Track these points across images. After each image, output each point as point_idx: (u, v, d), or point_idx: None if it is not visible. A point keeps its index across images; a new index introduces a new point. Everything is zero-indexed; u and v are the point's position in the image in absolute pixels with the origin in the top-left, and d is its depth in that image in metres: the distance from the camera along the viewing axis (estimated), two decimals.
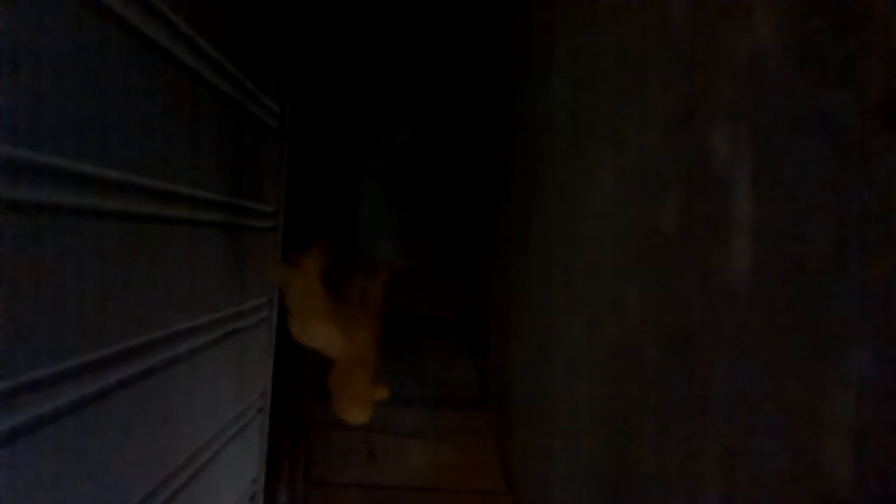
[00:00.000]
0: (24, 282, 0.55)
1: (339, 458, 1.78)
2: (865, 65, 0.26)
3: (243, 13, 1.23)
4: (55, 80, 0.59)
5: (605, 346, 0.59)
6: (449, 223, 1.93)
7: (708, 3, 0.40)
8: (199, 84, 0.99)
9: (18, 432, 0.56)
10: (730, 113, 0.37)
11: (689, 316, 0.41)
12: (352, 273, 1.54)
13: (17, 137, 0.54)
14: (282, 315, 1.48)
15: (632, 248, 0.52)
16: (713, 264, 0.38)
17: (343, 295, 1.45)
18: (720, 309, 0.37)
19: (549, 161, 0.90)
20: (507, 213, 1.31)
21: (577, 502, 0.66)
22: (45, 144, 0.58)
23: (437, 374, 1.86)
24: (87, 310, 0.67)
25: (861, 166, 0.26)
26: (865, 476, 0.25)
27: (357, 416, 1.44)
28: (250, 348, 1.42)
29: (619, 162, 0.57)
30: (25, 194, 0.56)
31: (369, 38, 1.93)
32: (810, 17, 0.29)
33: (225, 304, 1.19)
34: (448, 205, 1.93)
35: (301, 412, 1.77)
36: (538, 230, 0.96)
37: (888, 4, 0.25)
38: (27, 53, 0.55)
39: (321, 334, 1.33)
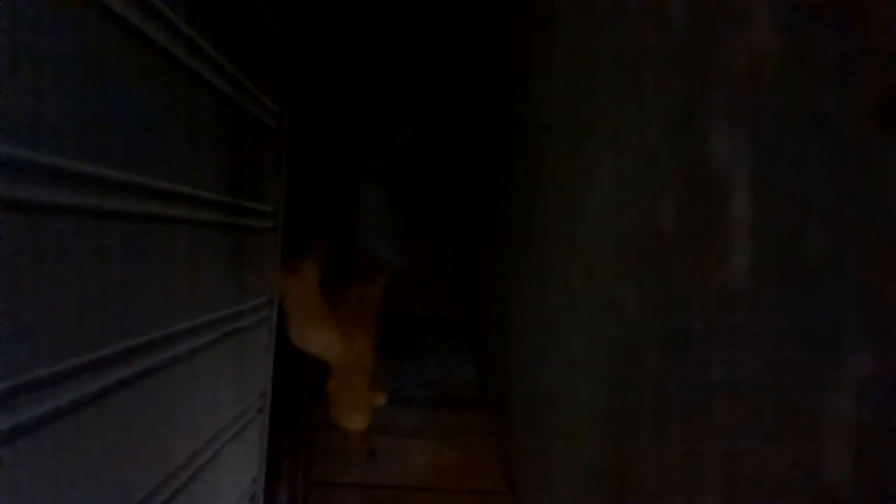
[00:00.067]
0: (24, 282, 0.55)
1: (339, 458, 1.78)
2: (864, 66, 0.26)
3: (243, 14, 1.23)
4: (55, 80, 0.59)
5: (604, 347, 0.59)
6: (449, 223, 1.93)
7: (707, 4, 0.40)
8: (199, 84, 0.99)
9: (18, 432, 0.56)
10: (729, 114, 0.37)
11: (689, 316, 0.41)
12: (350, 278, 1.55)
13: (17, 137, 0.54)
14: (282, 315, 1.48)
15: (632, 249, 0.52)
16: (713, 264, 0.38)
17: (341, 300, 1.46)
18: (720, 309, 0.37)
19: (549, 161, 0.90)
20: (506, 214, 1.31)
21: (577, 502, 0.66)
22: (45, 144, 0.58)
23: (437, 374, 1.86)
24: (87, 310, 0.66)
25: (860, 167, 0.26)
26: (865, 476, 0.25)
27: (355, 421, 1.44)
28: (250, 348, 1.42)
29: (619, 162, 0.57)
30: (25, 194, 0.56)
31: (369, 38, 1.93)
32: (810, 18, 0.29)
33: (225, 304, 1.19)
34: (448, 205, 1.93)
35: (301, 412, 1.77)
36: (538, 230, 0.96)
37: (887, 6, 0.25)
38: (27, 53, 0.55)
39: (319, 340, 1.33)
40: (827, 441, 0.27)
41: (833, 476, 0.27)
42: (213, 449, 1.15)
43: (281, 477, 1.72)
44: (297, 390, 1.76)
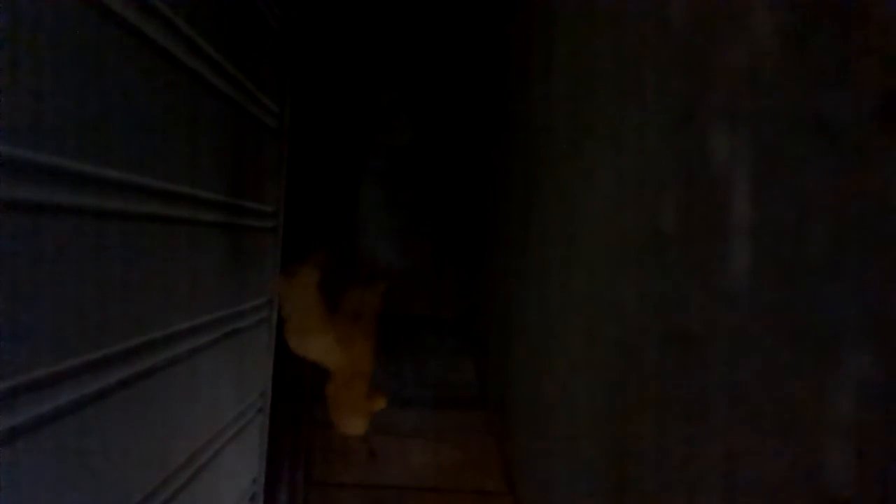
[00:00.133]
0: (24, 282, 0.55)
1: (339, 458, 1.78)
2: (864, 66, 0.26)
3: (243, 13, 1.23)
4: (55, 80, 0.59)
5: (604, 347, 0.59)
6: (449, 223, 1.93)
7: (707, 3, 0.40)
8: (199, 84, 0.99)
9: (18, 432, 0.56)
10: (729, 113, 0.37)
11: (689, 316, 0.41)
12: (349, 281, 1.55)
13: (17, 137, 0.54)
14: (281, 318, 1.48)
15: (632, 249, 0.52)
16: (713, 264, 0.38)
17: (340, 305, 1.46)
18: (720, 309, 0.37)
19: (549, 161, 0.90)
20: (506, 214, 1.31)
21: (577, 502, 0.66)
22: (45, 144, 0.58)
23: (437, 374, 1.86)
24: (87, 310, 0.67)
25: (860, 166, 0.26)
26: (866, 477, 0.25)
27: (354, 426, 1.44)
28: (250, 348, 1.42)
29: (619, 162, 0.57)
30: (25, 194, 0.56)
31: (369, 38, 1.93)
32: (810, 18, 0.29)
33: (225, 304, 1.19)
34: (448, 205, 1.93)
35: (301, 412, 1.77)
36: (537, 230, 0.96)
37: (888, 4, 0.25)
38: (27, 53, 0.55)
39: (318, 346, 1.33)
40: (827, 441, 0.27)
41: (833, 476, 0.27)
42: (214, 449, 1.15)
43: (281, 477, 1.72)
44: (297, 390, 1.76)
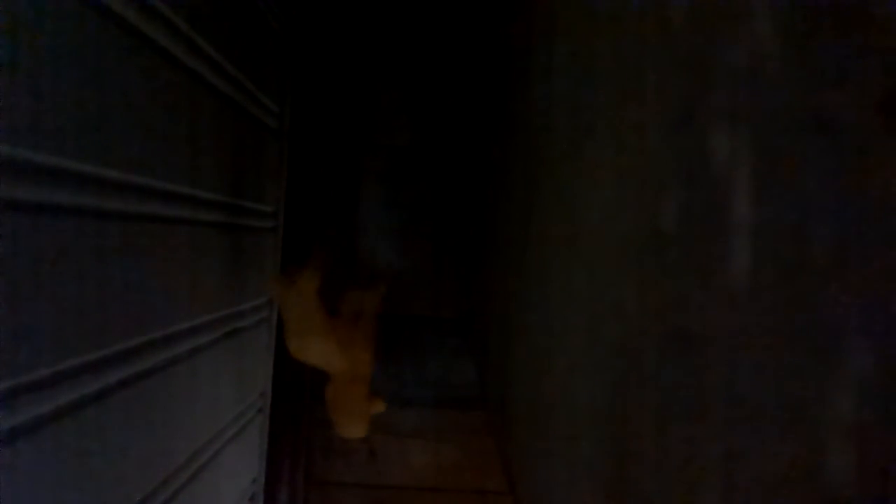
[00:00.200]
0: (24, 282, 0.55)
1: (339, 458, 1.78)
2: (865, 65, 0.26)
3: (243, 14, 1.23)
4: (55, 80, 0.59)
5: (605, 347, 0.59)
6: (449, 224, 1.93)
7: (707, 3, 0.40)
8: (199, 84, 0.99)
9: (18, 432, 0.56)
10: (729, 113, 0.37)
11: (689, 316, 0.41)
12: (349, 285, 1.55)
13: (17, 137, 0.54)
14: (280, 320, 1.48)
15: (632, 249, 0.52)
16: (713, 264, 0.38)
17: (340, 308, 1.46)
18: (720, 309, 0.37)
19: (549, 161, 0.90)
20: (506, 214, 1.31)
21: (578, 502, 0.66)
22: (45, 144, 0.58)
23: (437, 374, 1.86)
24: (87, 310, 0.67)
25: (861, 166, 0.26)
26: (866, 477, 0.25)
27: (354, 430, 1.45)
28: (250, 348, 1.42)
29: (619, 162, 0.57)
30: (25, 194, 0.56)
31: (369, 38, 1.93)
32: (810, 17, 0.29)
33: (225, 304, 1.19)
34: (448, 205, 1.93)
35: (301, 412, 1.77)
36: (538, 230, 0.96)
37: (888, 4, 0.25)
38: (27, 53, 0.55)
39: (318, 350, 1.34)
40: (827, 441, 0.27)
41: (833, 476, 0.27)
42: (214, 449, 1.15)
43: (281, 477, 1.72)
44: (297, 390, 1.76)
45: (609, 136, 0.61)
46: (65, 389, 0.63)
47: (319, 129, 1.88)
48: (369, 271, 1.87)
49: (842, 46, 0.27)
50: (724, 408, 0.36)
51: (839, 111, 0.27)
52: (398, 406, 1.73)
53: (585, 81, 0.71)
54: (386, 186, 1.92)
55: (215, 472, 1.16)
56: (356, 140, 1.93)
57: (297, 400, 1.76)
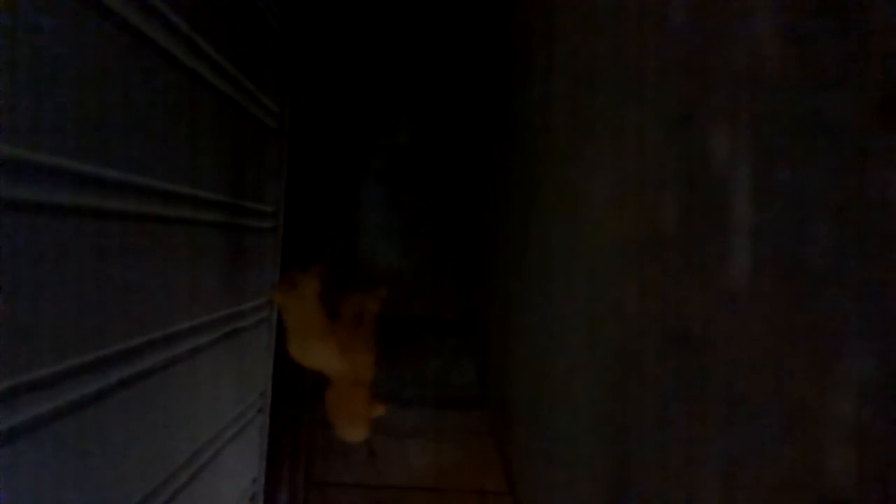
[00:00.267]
0: (24, 282, 0.55)
1: (339, 458, 1.78)
2: (865, 66, 0.26)
3: (243, 14, 1.23)
4: (55, 80, 0.59)
5: (605, 347, 0.59)
6: (449, 224, 1.93)
7: (707, 4, 0.40)
8: (199, 84, 0.99)
9: (19, 432, 0.56)
10: (729, 114, 0.37)
11: (689, 316, 0.41)
12: (349, 288, 1.55)
13: (17, 137, 0.54)
14: (281, 322, 1.48)
15: (632, 249, 0.52)
16: (713, 264, 0.38)
17: (340, 312, 1.46)
18: (720, 309, 0.37)
19: (549, 161, 0.90)
20: (506, 214, 1.31)
21: (578, 502, 0.66)
22: (44, 144, 0.58)
23: (437, 374, 1.86)
24: (87, 310, 0.67)
25: (861, 166, 0.26)
26: (866, 477, 0.25)
27: (355, 434, 1.45)
28: (250, 348, 1.42)
29: (619, 162, 0.57)
30: (25, 194, 0.56)
31: (369, 38, 1.93)
32: (810, 18, 0.29)
33: (225, 304, 1.19)
34: (448, 205, 1.93)
35: (301, 412, 1.77)
36: (537, 230, 0.96)
37: (888, 5, 0.25)
38: (27, 53, 0.55)
39: (319, 354, 1.34)
40: (828, 441, 0.27)
41: (833, 477, 0.27)
42: (214, 449, 1.15)
43: (281, 477, 1.72)
44: (297, 390, 1.76)
45: (609, 136, 0.61)
46: (65, 389, 0.63)
47: (319, 129, 1.88)
48: (369, 272, 1.87)
49: (841, 47, 0.27)
50: (724, 408, 0.36)
51: (839, 111, 0.27)
52: (398, 406, 1.73)
53: (585, 81, 0.71)
54: (386, 186, 1.92)
55: (215, 472, 1.16)
56: (356, 140, 1.93)
57: (297, 400, 1.76)
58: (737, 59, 0.36)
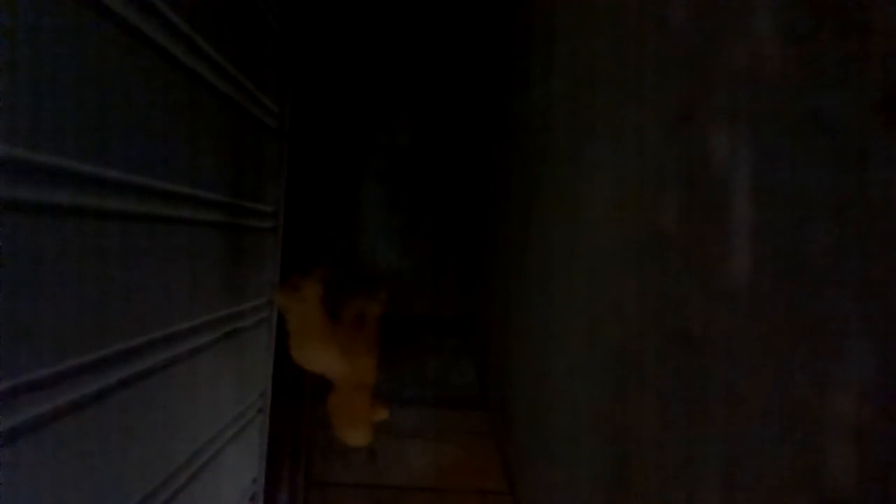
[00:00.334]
0: (24, 282, 0.55)
1: (339, 458, 1.78)
2: (865, 65, 0.26)
3: (243, 14, 1.23)
4: (55, 80, 0.59)
5: (605, 347, 0.59)
6: (449, 223, 1.93)
7: (707, 4, 0.40)
8: (199, 84, 0.99)
9: (19, 432, 0.56)
10: (729, 113, 0.37)
11: (689, 316, 0.41)
12: (351, 291, 1.56)
13: (17, 137, 0.54)
14: (282, 316, 1.48)
15: (632, 249, 0.52)
16: (713, 264, 0.38)
17: (342, 317, 1.47)
18: (720, 309, 0.37)
19: (549, 161, 0.90)
20: (506, 214, 1.31)
21: (578, 502, 0.66)
22: (44, 144, 0.58)
23: (437, 374, 1.86)
24: (87, 310, 0.67)
25: (861, 166, 0.26)
26: (866, 477, 0.25)
27: (357, 438, 1.46)
28: (250, 348, 1.42)
29: (619, 162, 0.57)
30: (25, 194, 0.56)
31: (369, 38, 1.93)
32: (810, 17, 0.29)
33: (225, 304, 1.19)
34: (448, 205, 1.93)
35: (301, 412, 1.77)
36: (538, 230, 0.96)
37: (888, 5, 0.25)
38: (27, 53, 0.55)
39: (321, 358, 1.35)
40: (828, 441, 0.27)
41: (834, 477, 0.27)
42: (214, 449, 1.15)
43: (281, 477, 1.72)
44: (297, 390, 1.76)
45: (609, 136, 0.61)
46: (65, 389, 0.63)
47: (319, 129, 1.88)
48: (369, 272, 1.87)
49: (841, 47, 0.27)
50: (724, 408, 0.36)
51: (839, 111, 0.27)
52: (398, 406, 1.73)
53: (585, 81, 0.71)
54: (386, 186, 1.92)
55: (215, 472, 1.16)
56: (356, 140, 1.93)
57: (297, 400, 1.76)
58: (737, 59, 0.36)
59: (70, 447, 0.64)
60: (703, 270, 0.39)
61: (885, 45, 0.24)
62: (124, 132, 0.74)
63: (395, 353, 1.80)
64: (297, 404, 1.76)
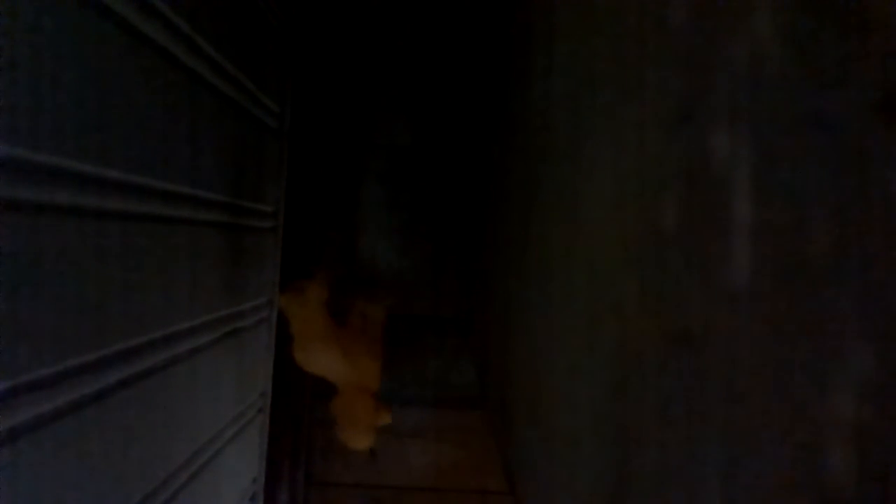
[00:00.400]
0: (24, 282, 0.55)
1: (339, 458, 1.78)
2: (865, 65, 0.25)
3: (243, 13, 1.23)
4: (55, 80, 0.59)
5: (604, 347, 0.59)
6: (449, 223, 1.93)
7: (707, 4, 0.40)
8: (199, 84, 0.99)
9: (19, 432, 0.56)
10: (729, 113, 0.37)
11: (689, 316, 0.41)
12: (354, 294, 1.56)
13: (17, 137, 0.54)
14: (282, 316, 1.48)
15: (632, 249, 0.52)
16: (713, 264, 0.38)
17: (346, 321, 1.47)
18: (720, 309, 0.37)
19: (549, 161, 0.90)
20: (506, 213, 1.31)
21: (578, 502, 0.66)
22: (44, 144, 0.58)
23: (438, 374, 1.86)
24: (87, 310, 0.66)
25: (861, 166, 0.26)
26: (866, 477, 0.25)
27: (360, 441, 1.46)
28: (250, 348, 1.42)
29: (619, 162, 0.57)
30: (25, 194, 0.56)
31: (369, 38, 1.93)
32: (810, 17, 0.29)
33: (225, 304, 1.19)
34: (448, 205, 1.93)
35: (301, 412, 1.77)
36: (538, 230, 0.96)
37: (888, 4, 0.25)
38: (27, 53, 0.55)
39: (325, 361, 1.35)
40: (828, 441, 0.27)
41: (834, 477, 0.27)
42: (214, 449, 1.15)
43: (281, 477, 1.72)
44: (297, 390, 1.76)
45: (609, 136, 0.61)
46: (65, 389, 0.63)
47: (319, 129, 1.88)
48: (369, 272, 1.87)
49: (841, 47, 0.27)
50: (724, 408, 0.36)
51: (839, 110, 0.27)
52: (398, 406, 1.73)
53: (585, 81, 0.71)
54: (386, 186, 1.92)
55: (215, 471, 1.16)
56: (356, 140, 1.93)
57: (297, 400, 1.76)
58: (737, 59, 0.36)
59: (70, 447, 0.64)
60: (703, 270, 0.39)
61: (885, 45, 0.24)
62: (124, 132, 0.74)
63: (395, 354, 1.80)
64: (297, 404, 1.76)
